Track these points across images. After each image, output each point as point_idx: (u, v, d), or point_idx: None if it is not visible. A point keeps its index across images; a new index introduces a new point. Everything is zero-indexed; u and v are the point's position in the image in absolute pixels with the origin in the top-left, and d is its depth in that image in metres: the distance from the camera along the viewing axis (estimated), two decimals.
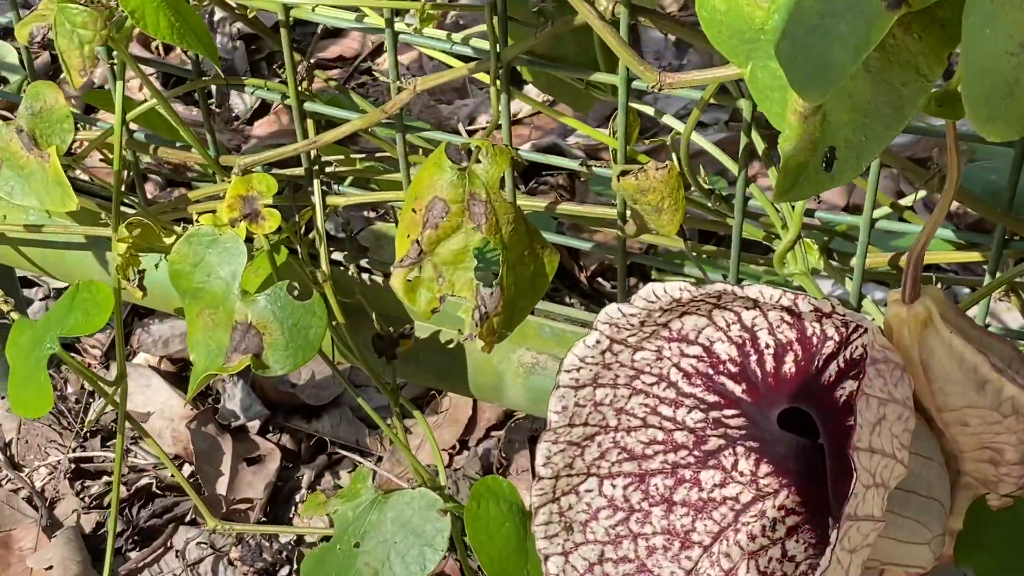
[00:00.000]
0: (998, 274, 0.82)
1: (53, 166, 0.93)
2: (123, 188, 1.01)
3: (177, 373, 1.33)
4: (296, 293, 0.94)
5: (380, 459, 1.26)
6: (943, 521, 0.77)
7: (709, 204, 0.86)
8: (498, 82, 0.83)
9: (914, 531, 0.75)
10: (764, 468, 0.84)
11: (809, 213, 0.86)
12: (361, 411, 1.29)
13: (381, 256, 1.08)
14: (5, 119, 0.97)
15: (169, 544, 1.19)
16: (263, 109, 1.59)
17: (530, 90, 1.27)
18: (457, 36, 0.90)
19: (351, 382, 1.31)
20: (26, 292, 1.38)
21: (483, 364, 1.03)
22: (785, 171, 0.64)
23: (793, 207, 0.84)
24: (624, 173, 0.84)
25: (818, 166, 0.63)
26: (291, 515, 1.22)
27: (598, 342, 0.82)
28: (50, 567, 1.16)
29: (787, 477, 0.84)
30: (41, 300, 1.40)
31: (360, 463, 1.25)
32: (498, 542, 0.91)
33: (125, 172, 1.05)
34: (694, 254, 0.96)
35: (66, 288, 1.39)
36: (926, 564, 0.77)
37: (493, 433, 1.27)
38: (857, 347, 0.73)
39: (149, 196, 1.42)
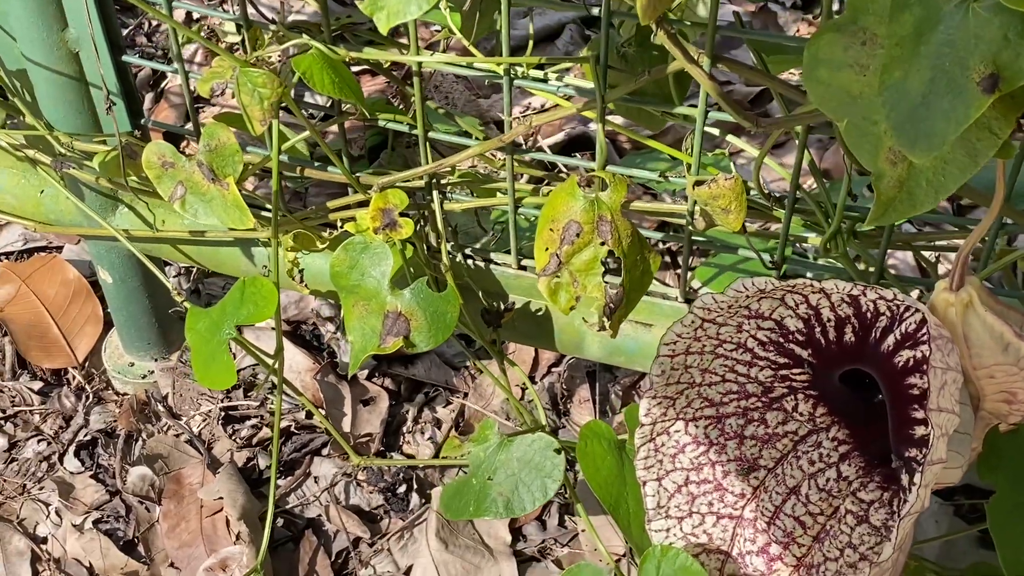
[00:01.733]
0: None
1: (232, 193, 0.94)
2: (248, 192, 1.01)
3: (292, 331, 1.34)
4: (427, 282, 0.96)
5: (466, 395, 1.29)
6: (970, 448, 0.82)
7: (769, 206, 0.88)
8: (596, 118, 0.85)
9: (954, 459, 0.79)
10: (820, 409, 0.88)
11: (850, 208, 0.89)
12: (447, 356, 1.32)
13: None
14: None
15: (308, 472, 1.22)
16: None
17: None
18: (552, 74, 0.92)
19: None
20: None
21: (566, 327, 1.06)
22: (878, 203, 0.67)
23: (835, 205, 0.87)
24: (698, 183, 0.86)
25: (904, 199, 0.66)
26: (400, 443, 1.25)
27: (692, 322, 0.85)
28: (219, 498, 1.18)
29: (838, 416, 0.88)
30: (175, 277, 1.40)
31: (451, 399, 1.28)
32: (603, 472, 0.95)
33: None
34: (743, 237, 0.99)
35: (194, 270, 1.41)
36: (956, 481, 0.82)
37: (553, 370, 1.30)
38: (910, 323, 0.77)
39: (251, 187, 1.42)
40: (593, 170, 0.84)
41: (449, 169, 1.04)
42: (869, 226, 0.67)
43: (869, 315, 0.80)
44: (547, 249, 0.80)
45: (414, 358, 1.31)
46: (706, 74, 0.73)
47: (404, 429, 1.26)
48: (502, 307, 1.03)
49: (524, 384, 1.30)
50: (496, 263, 1.05)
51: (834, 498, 0.88)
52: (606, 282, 0.82)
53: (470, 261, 1.06)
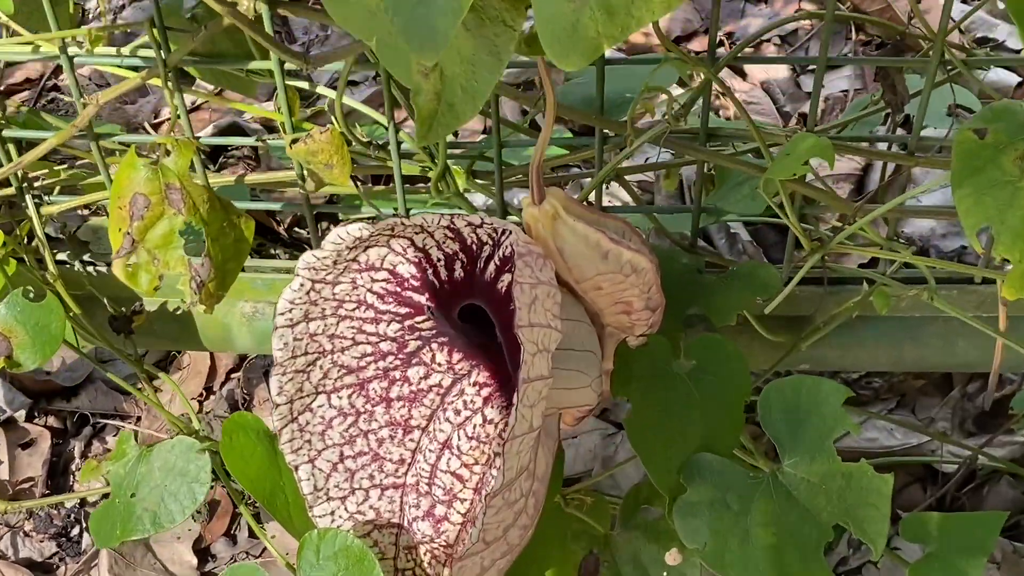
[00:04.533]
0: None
1: None
2: None
3: None
4: (32, 296, 0.91)
5: (139, 419, 1.23)
6: (598, 366, 0.83)
7: (370, 153, 0.88)
8: (169, 84, 0.82)
9: (576, 378, 0.80)
10: (456, 356, 0.88)
11: (454, 145, 0.89)
12: (114, 383, 1.26)
13: (101, 247, 1.05)
14: None
15: None
16: None
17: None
18: (126, 49, 0.88)
19: (99, 360, 1.28)
20: None
21: (210, 321, 1.03)
22: (420, 120, 0.67)
23: (438, 144, 0.87)
24: (295, 141, 0.85)
25: (445, 111, 0.66)
26: (71, 484, 1.19)
27: (302, 285, 0.83)
28: None
29: (475, 360, 0.88)
30: None
31: (122, 427, 1.22)
32: (253, 465, 0.92)
33: None
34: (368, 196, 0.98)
35: None
36: (591, 402, 0.83)
37: (232, 376, 1.26)
38: (507, 246, 0.77)
39: None
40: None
41: (47, 170, 0.99)
42: (420, 144, 0.67)
43: (474, 247, 0.80)
44: (120, 230, 0.77)
45: (76, 389, 1.25)
46: (242, 17, 0.71)
47: (72, 467, 1.20)
48: (129, 311, 0.99)
49: (201, 393, 1.25)
50: None
51: (484, 444, 0.88)
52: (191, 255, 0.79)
53: (91, 268, 1.01)
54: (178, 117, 0.83)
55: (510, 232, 0.75)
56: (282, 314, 0.84)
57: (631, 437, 0.82)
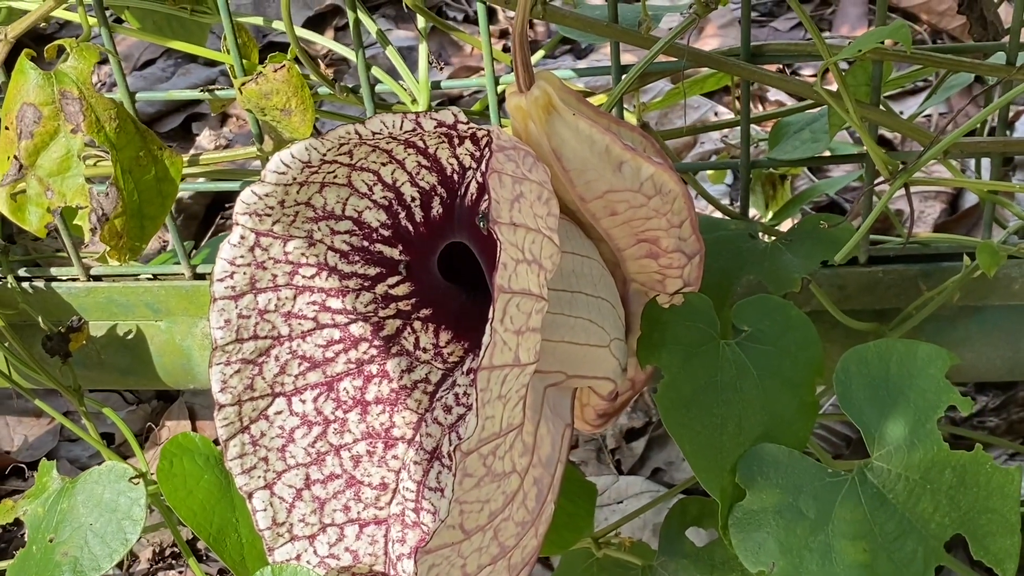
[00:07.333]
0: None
1: None
2: None
3: None
4: None
5: None
6: (617, 322, 0.67)
7: (336, 94, 0.75)
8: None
9: (588, 331, 0.64)
10: (444, 336, 0.72)
11: (435, 85, 0.76)
12: (78, 462, 1.12)
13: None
14: None
15: None
16: None
17: None
18: None
19: (63, 437, 1.14)
20: None
21: (167, 346, 0.89)
22: None
23: (417, 80, 0.74)
24: (245, 83, 0.72)
25: None
26: None
27: (243, 238, 0.69)
28: None
29: (469, 339, 0.72)
30: None
31: None
32: (199, 495, 0.76)
33: None
34: None
35: None
36: (612, 374, 0.66)
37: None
38: (489, 154, 0.62)
39: None
40: None
41: None
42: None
43: (456, 176, 0.65)
44: (8, 157, 0.64)
45: (36, 467, 1.10)
46: None
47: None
48: (65, 328, 0.85)
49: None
50: (60, 280, 0.88)
51: None
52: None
53: (26, 284, 0.88)
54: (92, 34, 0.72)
55: (487, 132, 0.61)
56: (221, 280, 0.69)
57: (665, 418, 0.64)
